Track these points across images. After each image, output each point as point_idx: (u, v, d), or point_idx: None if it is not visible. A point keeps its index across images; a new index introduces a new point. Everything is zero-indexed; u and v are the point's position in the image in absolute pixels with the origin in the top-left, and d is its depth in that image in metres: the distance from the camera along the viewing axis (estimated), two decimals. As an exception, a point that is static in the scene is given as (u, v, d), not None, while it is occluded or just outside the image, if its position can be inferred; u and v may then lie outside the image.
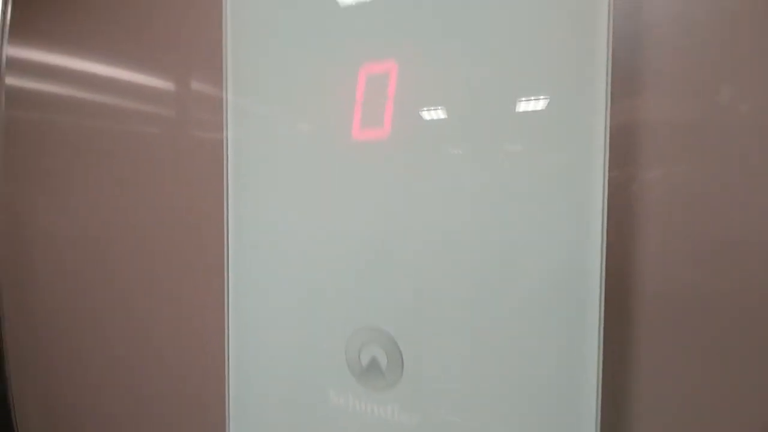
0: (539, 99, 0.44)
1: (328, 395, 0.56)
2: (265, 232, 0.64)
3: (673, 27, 0.52)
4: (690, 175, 0.51)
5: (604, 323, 0.41)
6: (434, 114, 0.47)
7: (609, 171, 0.42)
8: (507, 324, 0.45)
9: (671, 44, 0.52)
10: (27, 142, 1.11)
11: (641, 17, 0.54)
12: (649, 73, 0.53)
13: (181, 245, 0.92)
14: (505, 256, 0.44)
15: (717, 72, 0.50)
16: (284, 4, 0.57)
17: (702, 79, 0.52)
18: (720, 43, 0.50)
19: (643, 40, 0.53)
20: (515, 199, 0.44)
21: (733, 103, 0.50)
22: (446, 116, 0.47)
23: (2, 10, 1.15)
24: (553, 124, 0.43)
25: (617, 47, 0.51)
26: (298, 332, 0.62)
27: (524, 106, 0.45)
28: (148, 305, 0.95)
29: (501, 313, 0.44)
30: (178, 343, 0.91)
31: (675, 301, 0.52)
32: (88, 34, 0.99)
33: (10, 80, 1.16)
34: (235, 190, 0.63)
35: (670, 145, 0.51)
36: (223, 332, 0.70)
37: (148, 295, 0.95)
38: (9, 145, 1.18)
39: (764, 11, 0.47)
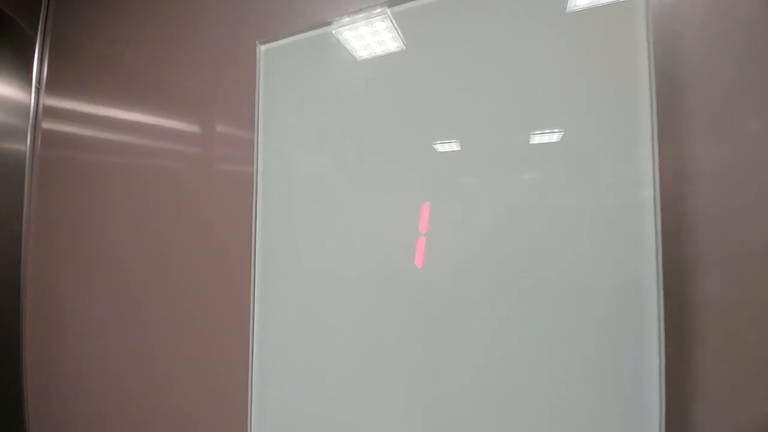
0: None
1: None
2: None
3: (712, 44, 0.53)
4: (743, 188, 0.51)
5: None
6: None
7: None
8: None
9: (709, 61, 0.53)
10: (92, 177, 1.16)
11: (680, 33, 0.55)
12: (693, 92, 0.54)
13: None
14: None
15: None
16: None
17: (749, 101, 0.52)
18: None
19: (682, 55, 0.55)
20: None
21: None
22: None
23: (38, 65, 1.23)
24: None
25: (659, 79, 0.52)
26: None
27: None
28: (173, 332, 0.95)
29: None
30: (203, 374, 0.90)
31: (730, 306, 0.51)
32: (141, 91, 1.08)
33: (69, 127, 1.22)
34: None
35: (721, 159, 0.52)
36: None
37: (175, 322, 0.95)
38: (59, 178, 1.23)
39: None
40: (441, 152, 0.60)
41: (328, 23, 0.70)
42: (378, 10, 0.65)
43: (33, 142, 1.23)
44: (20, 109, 1.24)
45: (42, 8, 1.23)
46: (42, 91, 1.23)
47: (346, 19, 0.68)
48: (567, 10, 0.54)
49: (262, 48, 0.74)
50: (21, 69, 1.23)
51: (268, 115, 0.73)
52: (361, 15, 0.66)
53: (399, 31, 0.67)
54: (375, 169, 0.65)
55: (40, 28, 1.22)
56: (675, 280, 0.52)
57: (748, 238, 0.50)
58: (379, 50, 0.68)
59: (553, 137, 0.53)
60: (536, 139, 0.54)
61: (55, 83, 1.22)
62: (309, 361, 0.68)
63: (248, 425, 0.70)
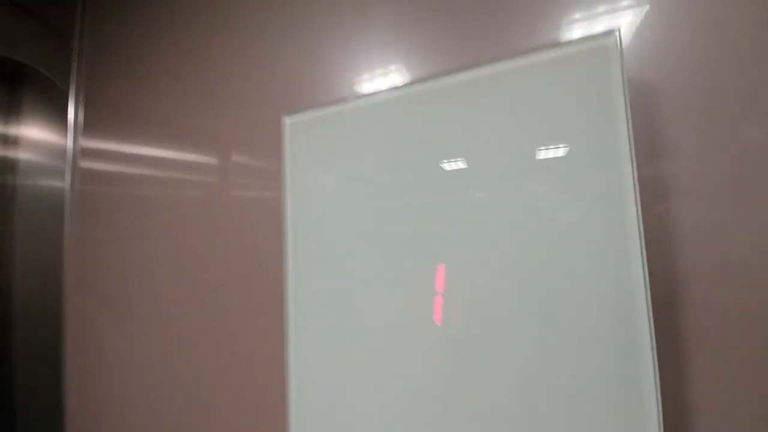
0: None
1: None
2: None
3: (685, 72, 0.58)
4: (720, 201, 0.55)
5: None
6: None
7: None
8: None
9: (686, 88, 0.58)
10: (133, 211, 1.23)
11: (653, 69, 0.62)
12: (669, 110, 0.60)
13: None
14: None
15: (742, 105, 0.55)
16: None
17: (725, 113, 0.56)
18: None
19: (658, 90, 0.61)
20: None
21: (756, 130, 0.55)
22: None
23: (75, 111, 1.32)
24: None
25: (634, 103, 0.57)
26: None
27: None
28: (211, 362, 1.00)
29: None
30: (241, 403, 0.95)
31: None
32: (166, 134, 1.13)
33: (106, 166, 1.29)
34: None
35: (699, 170, 0.56)
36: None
37: (212, 353, 1.00)
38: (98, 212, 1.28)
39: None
40: (455, 215, 0.66)
41: (351, 98, 0.78)
42: (394, 94, 0.72)
43: (72, 179, 1.31)
44: (59, 151, 1.32)
45: (73, 66, 1.32)
46: (78, 134, 1.31)
47: (361, 102, 0.75)
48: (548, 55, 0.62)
49: (287, 121, 0.83)
50: (58, 116, 1.32)
51: (295, 178, 0.81)
52: (380, 96, 0.73)
53: (415, 111, 0.71)
54: (394, 231, 0.71)
55: (73, 82, 1.31)
56: (668, 289, 0.59)
57: (731, 248, 0.57)
58: (397, 125, 0.72)
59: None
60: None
61: (90, 128, 1.30)
62: (341, 400, 0.74)
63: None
